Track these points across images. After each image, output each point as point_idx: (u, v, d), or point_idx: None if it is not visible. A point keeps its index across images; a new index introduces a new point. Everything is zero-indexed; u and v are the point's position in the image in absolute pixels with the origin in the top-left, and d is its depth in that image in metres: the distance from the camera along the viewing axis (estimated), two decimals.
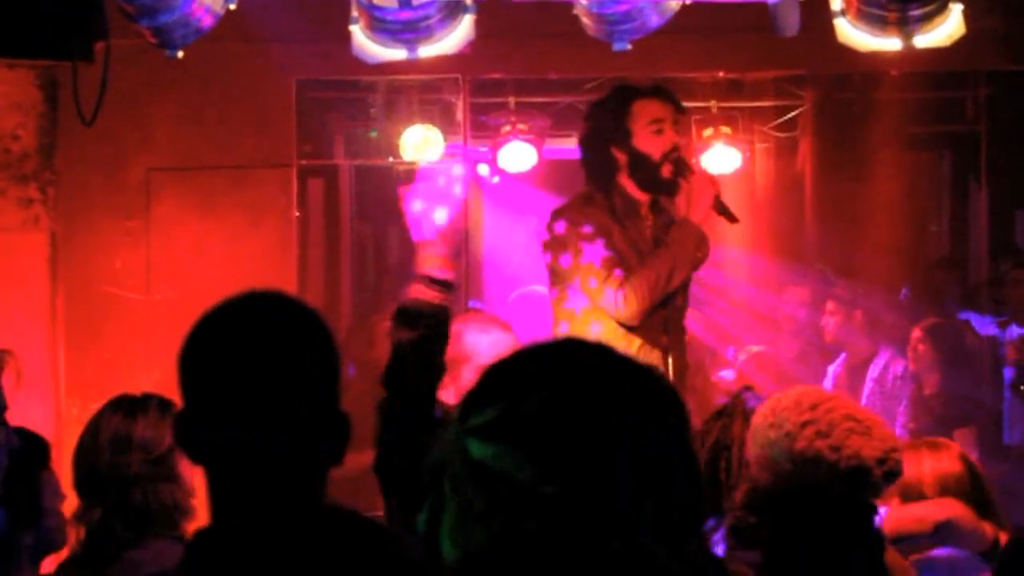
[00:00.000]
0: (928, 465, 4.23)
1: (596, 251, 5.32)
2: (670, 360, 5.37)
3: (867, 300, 8.35)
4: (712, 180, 5.51)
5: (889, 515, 4.12)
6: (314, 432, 2.21)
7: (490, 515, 1.59)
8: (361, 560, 2.22)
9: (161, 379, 6.95)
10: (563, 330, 5.44)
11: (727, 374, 8.31)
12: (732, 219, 5.48)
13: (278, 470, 2.19)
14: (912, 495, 4.18)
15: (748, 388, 3.74)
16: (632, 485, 1.60)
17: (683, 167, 5.42)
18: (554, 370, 1.66)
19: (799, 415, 3.23)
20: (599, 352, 1.69)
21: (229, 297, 2.30)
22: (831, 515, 3.11)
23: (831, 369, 8.18)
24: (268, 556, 2.18)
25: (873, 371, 7.96)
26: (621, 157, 5.42)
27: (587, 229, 5.32)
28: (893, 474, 3.21)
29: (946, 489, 4.19)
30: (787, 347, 8.89)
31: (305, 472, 2.22)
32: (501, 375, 1.68)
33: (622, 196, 5.41)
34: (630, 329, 5.31)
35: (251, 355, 2.22)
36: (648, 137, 5.41)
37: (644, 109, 5.42)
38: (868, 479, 3.15)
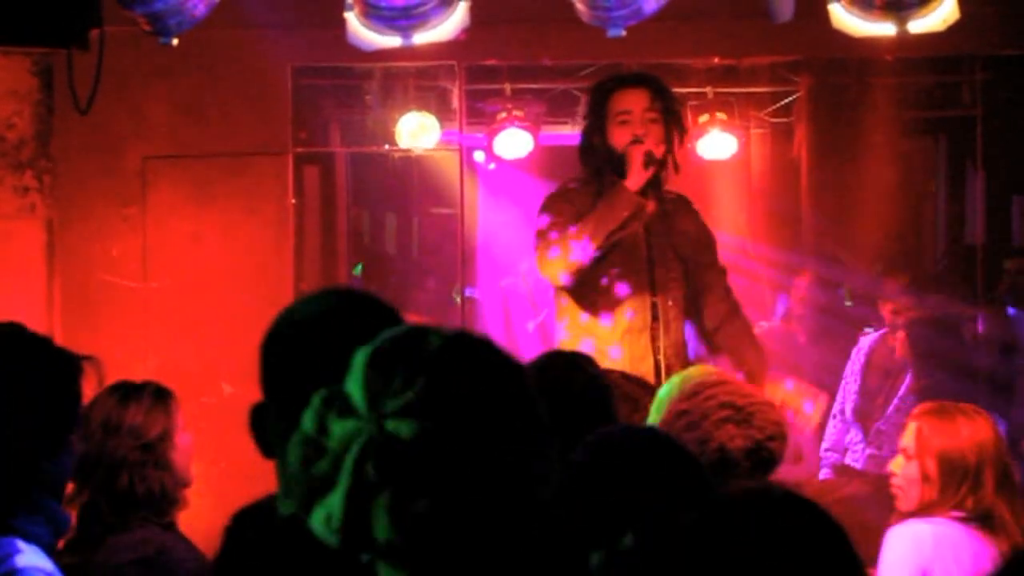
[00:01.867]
0: (966, 432, 4.16)
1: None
2: (661, 348, 5.42)
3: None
4: (640, 144, 5.55)
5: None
6: None
7: (432, 487, 1.65)
8: None
9: (158, 366, 7.00)
10: (563, 325, 5.57)
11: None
12: (653, 162, 5.52)
13: None
14: (956, 464, 4.12)
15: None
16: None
17: (650, 159, 5.49)
18: (445, 348, 1.74)
19: (677, 403, 3.23)
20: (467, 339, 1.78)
21: (310, 293, 2.35)
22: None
23: (864, 342, 8.10)
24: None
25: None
26: (601, 148, 5.52)
27: (569, 225, 5.43)
28: (767, 462, 3.16)
29: (984, 455, 4.11)
30: (799, 333, 8.90)
31: None
32: (400, 359, 1.74)
33: (611, 185, 5.48)
34: (608, 313, 5.39)
35: (334, 349, 2.19)
36: (615, 129, 5.60)
37: (617, 101, 5.60)
38: (733, 471, 3.11)
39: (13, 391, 2.81)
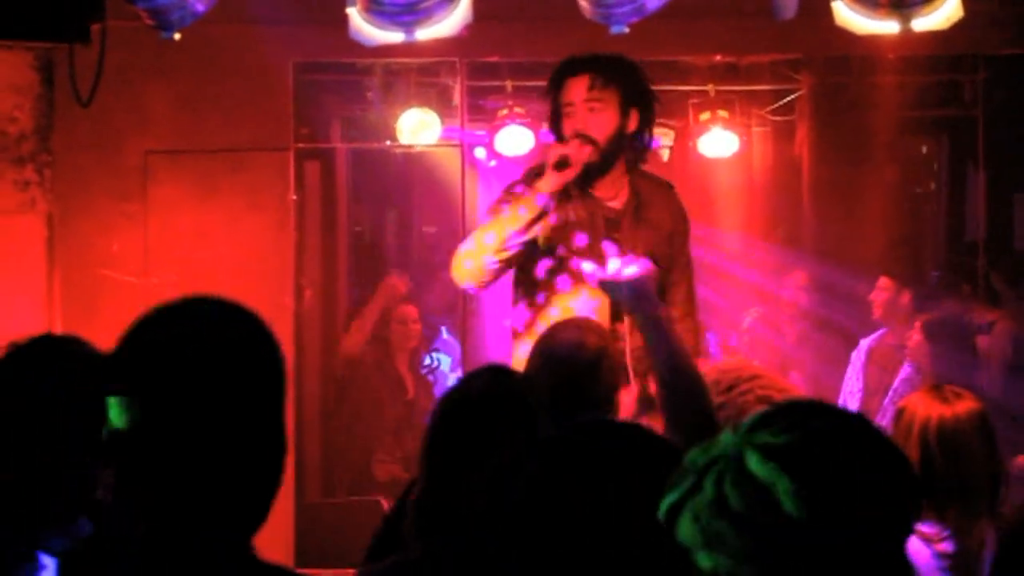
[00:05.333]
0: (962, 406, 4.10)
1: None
2: (628, 350, 4.98)
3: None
4: (566, 141, 5.18)
5: None
6: (252, 455, 2.10)
7: (743, 521, 1.75)
8: None
9: None
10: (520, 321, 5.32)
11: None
12: (567, 165, 5.17)
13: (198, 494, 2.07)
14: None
15: None
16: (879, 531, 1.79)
17: (562, 162, 5.08)
18: (836, 423, 1.84)
19: (715, 396, 3.20)
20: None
21: (163, 304, 2.22)
22: None
23: (864, 343, 8.11)
24: None
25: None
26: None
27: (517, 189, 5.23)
28: None
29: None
30: (788, 332, 8.91)
31: (235, 505, 2.09)
32: (796, 413, 1.84)
33: (527, 185, 5.20)
34: (556, 308, 5.13)
35: (188, 368, 2.11)
36: (564, 122, 5.23)
37: (563, 92, 5.21)
38: None
39: (43, 403, 2.80)
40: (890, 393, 7.56)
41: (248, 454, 2.09)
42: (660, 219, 5.31)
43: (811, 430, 1.79)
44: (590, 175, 5.18)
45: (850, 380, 7.90)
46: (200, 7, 5.75)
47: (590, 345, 4.06)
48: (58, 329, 7.05)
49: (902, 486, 1.81)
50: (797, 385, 5.19)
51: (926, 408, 3.98)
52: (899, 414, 4.03)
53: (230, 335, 2.14)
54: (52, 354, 2.91)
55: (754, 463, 1.76)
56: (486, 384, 3.19)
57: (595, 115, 5.18)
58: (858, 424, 1.84)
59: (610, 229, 5.19)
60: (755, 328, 8.87)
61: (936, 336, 7.43)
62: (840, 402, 7.78)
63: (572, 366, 3.98)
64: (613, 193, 5.26)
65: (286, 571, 2.17)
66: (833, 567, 1.73)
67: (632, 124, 5.25)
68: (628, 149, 5.28)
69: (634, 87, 5.27)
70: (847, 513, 1.74)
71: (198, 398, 2.07)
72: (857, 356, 7.98)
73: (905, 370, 7.52)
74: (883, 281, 8.19)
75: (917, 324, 7.54)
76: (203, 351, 2.10)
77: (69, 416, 2.78)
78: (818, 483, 1.74)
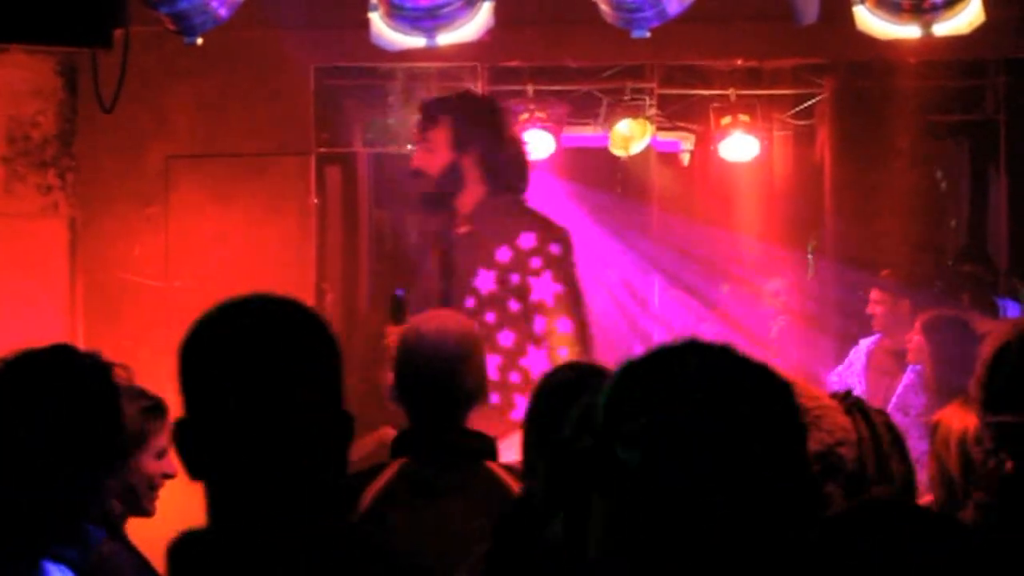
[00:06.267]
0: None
1: None
2: None
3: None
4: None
5: None
6: (319, 434, 2.15)
7: (649, 519, 1.57)
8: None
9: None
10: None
11: None
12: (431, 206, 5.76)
13: (282, 479, 2.12)
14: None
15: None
16: (774, 489, 1.61)
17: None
18: (699, 375, 1.63)
19: None
20: (728, 354, 1.68)
21: (226, 300, 2.25)
22: None
23: (864, 344, 8.11)
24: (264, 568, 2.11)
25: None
26: None
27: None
28: (835, 469, 3.10)
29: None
30: (766, 327, 8.95)
31: (310, 477, 2.14)
32: (646, 379, 1.64)
33: None
34: None
35: (257, 357, 2.15)
36: None
37: None
38: None
39: (58, 416, 2.81)
40: (894, 399, 7.54)
41: (328, 435, 2.16)
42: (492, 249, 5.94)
43: (669, 398, 1.59)
44: None
45: (848, 379, 7.89)
46: (223, 12, 5.77)
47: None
48: (81, 331, 7.08)
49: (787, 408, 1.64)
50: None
51: (962, 420, 4.06)
52: (935, 428, 4.13)
53: (302, 321, 2.23)
54: (63, 363, 2.92)
55: (629, 456, 1.57)
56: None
57: (419, 152, 6.20)
58: (714, 370, 1.63)
59: None
60: (782, 336, 8.83)
61: (934, 333, 7.40)
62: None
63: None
64: None
65: (379, 543, 2.24)
66: (739, 536, 1.57)
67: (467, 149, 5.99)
68: None
69: (451, 115, 5.99)
70: (738, 479, 1.57)
71: (288, 386, 2.15)
72: (856, 356, 7.99)
73: (908, 376, 7.51)
74: (875, 294, 8.18)
75: (916, 324, 7.53)
76: (290, 339, 2.19)
77: (78, 426, 2.79)
78: (700, 453, 1.57)
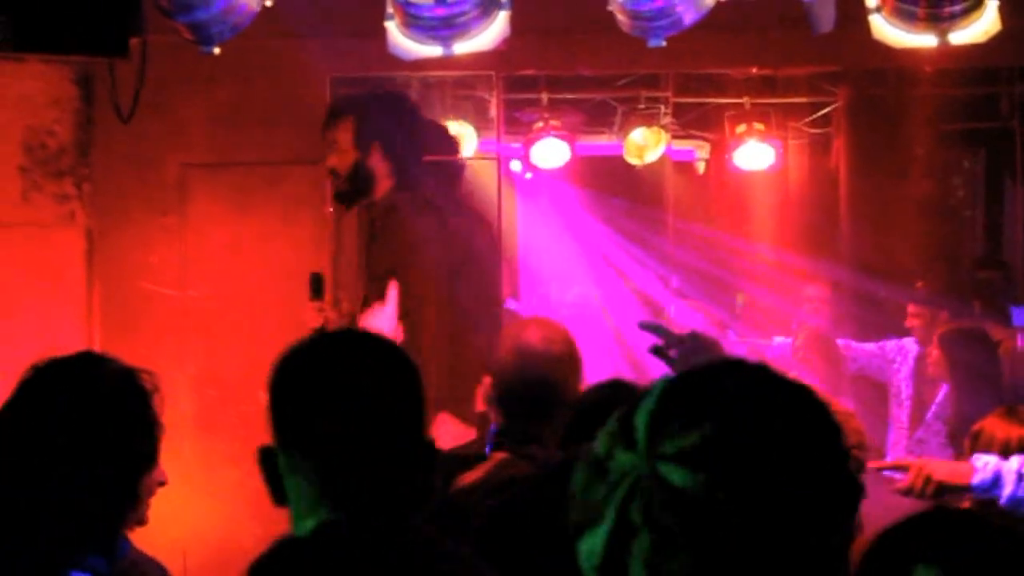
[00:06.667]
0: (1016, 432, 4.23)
1: None
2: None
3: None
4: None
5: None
6: (407, 463, 2.24)
7: (697, 543, 1.50)
8: None
9: (196, 374, 7.03)
10: None
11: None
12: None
13: (372, 504, 2.20)
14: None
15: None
16: (827, 514, 1.59)
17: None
18: (748, 392, 1.59)
19: None
20: (768, 373, 1.63)
21: (314, 337, 2.41)
22: None
23: (912, 347, 8.05)
24: None
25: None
26: None
27: None
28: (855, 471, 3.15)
29: None
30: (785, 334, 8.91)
31: (398, 504, 2.22)
32: (692, 397, 1.59)
33: None
34: None
35: (349, 392, 2.24)
36: None
37: None
38: None
39: (93, 421, 2.81)
40: (933, 407, 7.54)
41: (415, 464, 2.27)
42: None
43: (720, 416, 1.54)
44: None
45: (896, 379, 7.87)
46: (239, 22, 5.78)
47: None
48: (98, 340, 7.09)
49: (836, 448, 1.61)
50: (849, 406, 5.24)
51: (1005, 430, 4.12)
52: (975, 437, 4.15)
53: (388, 353, 2.37)
54: (93, 369, 2.91)
55: (677, 476, 1.51)
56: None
57: (329, 154, 6.32)
58: (760, 389, 1.60)
59: None
60: (806, 348, 8.76)
61: (952, 347, 7.39)
62: (891, 407, 7.80)
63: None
64: None
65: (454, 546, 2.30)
66: (791, 556, 1.52)
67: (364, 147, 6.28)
68: None
69: (352, 115, 6.30)
70: (792, 496, 1.53)
71: (377, 415, 2.26)
72: (902, 358, 7.94)
73: (944, 388, 7.50)
74: (912, 307, 8.16)
75: (934, 338, 7.51)
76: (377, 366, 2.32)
77: (114, 431, 2.79)
78: (755, 472, 1.51)
